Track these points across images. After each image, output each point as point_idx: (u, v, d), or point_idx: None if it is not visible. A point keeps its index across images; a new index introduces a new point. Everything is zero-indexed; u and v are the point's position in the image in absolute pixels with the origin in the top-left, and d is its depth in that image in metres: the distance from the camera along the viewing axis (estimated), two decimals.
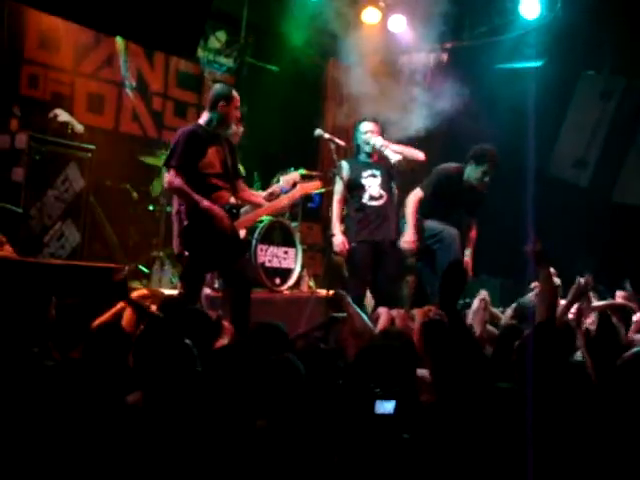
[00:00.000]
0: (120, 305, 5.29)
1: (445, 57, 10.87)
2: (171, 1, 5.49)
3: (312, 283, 9.57)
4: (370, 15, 10.58)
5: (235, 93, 6.85)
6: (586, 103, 11.05)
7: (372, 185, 7.90)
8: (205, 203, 6.47)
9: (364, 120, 8.08)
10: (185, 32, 5.66)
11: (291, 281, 8.97)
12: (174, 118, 10.58)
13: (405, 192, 8.33)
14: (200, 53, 10.20)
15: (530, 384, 3.50)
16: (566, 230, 10.32)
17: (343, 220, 7.97)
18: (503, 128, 9.95)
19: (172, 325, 4.46)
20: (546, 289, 4.93)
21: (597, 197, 10.90)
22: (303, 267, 9.22)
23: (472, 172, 8.25)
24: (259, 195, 7.23)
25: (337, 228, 7.81)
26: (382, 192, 7.91)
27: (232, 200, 6.82)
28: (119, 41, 9.58)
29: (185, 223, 6.60)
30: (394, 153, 7.77)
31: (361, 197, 7.88)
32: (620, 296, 8.06)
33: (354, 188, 7.89)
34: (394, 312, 6.80)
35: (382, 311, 6.77)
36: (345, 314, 5.88)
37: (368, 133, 7.96)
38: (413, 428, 3.55)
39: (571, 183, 11.06)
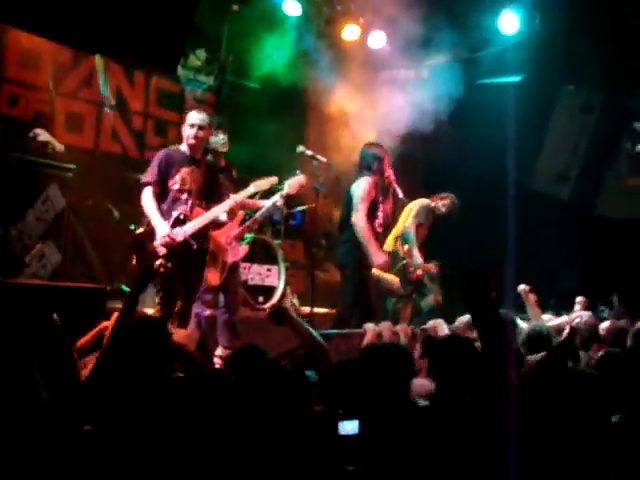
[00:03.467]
0: (103, 325, 5.23)
1: (425, 73, 10.89)
2: (152, 17, 5.44)
3: (296, 300, 9.53)
4: (350, 32, 10.61)
5: (191, 113, 7.04)
6: (567, 118, 11.13)
7: (382, 212, 8.47)
8: (154, 221, 6.70)
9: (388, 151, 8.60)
10: (166, 47, 5.61)
11: (275, 299, 8.94)
12: (155, 137, 10.56)
13: None
14: (180, 71, 10.17)
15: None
16: (548, 244, 10.35)
17: None
18: (484, 144, 9.98)
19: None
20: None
21: (578, 211, 10.95)
22: (286, 284, 9.20)
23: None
24: None
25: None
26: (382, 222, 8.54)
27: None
28: (98, 60, 9.54)
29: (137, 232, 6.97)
30: None
31: (373, 222, 8.32)
32: (579, 302, 8.14)
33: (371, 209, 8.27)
34: (381, 326, 6.80)
35: (368, 327, 6.76)
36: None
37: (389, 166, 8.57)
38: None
39: (553, 197, 11.10)
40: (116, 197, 9.31)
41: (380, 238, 8.61)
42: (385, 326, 7.00)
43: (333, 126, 10.09)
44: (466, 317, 7.29)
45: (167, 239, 6.62)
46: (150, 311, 7.49)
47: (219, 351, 7.17)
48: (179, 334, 6.31)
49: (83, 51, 8.46)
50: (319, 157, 7.83)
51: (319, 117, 10.45)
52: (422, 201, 9.32)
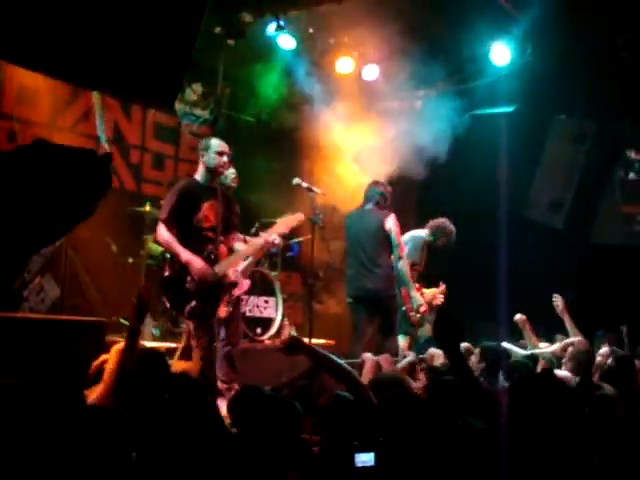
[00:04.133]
0: (102, 358, 5.26)
1: (419, 104, 10.99)
2: (150, 54, 5.51)
3: (294, 332, 9.56)
4: (343, 65, 10.71)
5: (215, 141, 6.91)
6: (559, 146, 11.21)
7: None
8: (184, 257, 6.52)
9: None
10: (164, 84, 5.67)
11: (272, 330, 8.97)
12: (152, 170, 10.63)
13: None
14: (177, 105, 10.24)
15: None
16: (544, 271, 10.38)
17: None
18: (478, 173, 10.06)
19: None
20: None
21: (574, 239, 10.99)
22: (284, 316, 9.23)
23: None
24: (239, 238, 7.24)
25: None
26: None
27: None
28: (95, 95, 9.62)
29: (166, 274, 6.68)
30: None
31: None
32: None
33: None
34: (380, 358, 6.84)
35: (366, 357, 6.80)
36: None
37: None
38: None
39: (547, 226, 11.16)
40: (114, 230, 9.34)
41: None
42: (384, 357, 7.06)
43: (328, 158, 10.17)
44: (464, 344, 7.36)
45: (204, 271, 6.53)
46: (149, 344, 7.54)
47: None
48: (178, 366, 6.36)
49: (80, 87, 8.52)
50: (314, 189, 7.89)
51: (314, 149, 10.52)
52: (413, 237, 9.27)
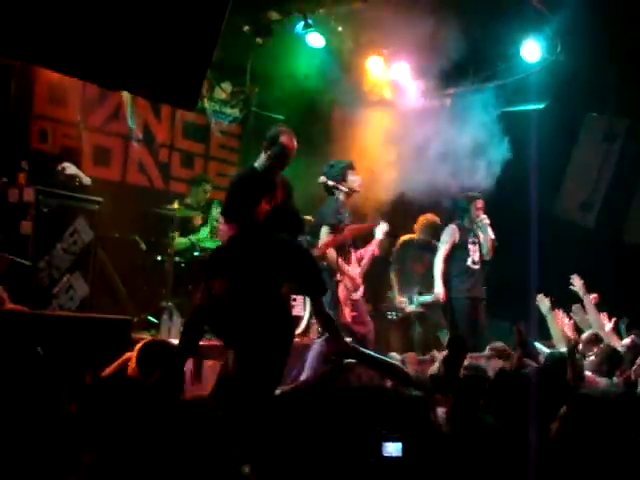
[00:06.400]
0: (126, 356, 5.29)
1: (448, 102, 10.92)
2: (171, 53, 5.55)
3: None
4: (373, 63, 10.67)
5: (289, 134, 6.78)
6: (590, 145, 11.08)
7: (475, 251, 9.40)
8: None
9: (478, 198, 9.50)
10: (186, 83, 5.70)
11: (300, 328, 8.95)
12: (181, 169, 10.69)
13: None
14: (206, 104, 10.30)
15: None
16: (576, 271, 10.28)
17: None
18: (508, 171, 9.97)
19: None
20: None
21: (604, 238, 10.86)
22: (312, 314, 9.21)
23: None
24: None
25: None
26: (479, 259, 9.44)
27: None
28: (126, 93, 9.68)
29: None
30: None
31: (465, 260, 9.33)
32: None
33: (459, 250, 9.35)
34: (407, 355, 6.83)
35: (393, 356, 6.79)
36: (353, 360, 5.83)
37: (480, 210, 9.46)
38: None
39: (578, 225, 11.03)
40: (143, 229, 9.39)
41: (477, 275, 9.59)
42: (410, 356, 7.05)
43: (357, 157, 10.12)
44: (499, 343, 7.36)
45: None
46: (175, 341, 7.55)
47: None
48: None
49: (106, 88, 8.53)
50: (341, 187, 7.85)
51: (343, 148, 10.48)
52: None
